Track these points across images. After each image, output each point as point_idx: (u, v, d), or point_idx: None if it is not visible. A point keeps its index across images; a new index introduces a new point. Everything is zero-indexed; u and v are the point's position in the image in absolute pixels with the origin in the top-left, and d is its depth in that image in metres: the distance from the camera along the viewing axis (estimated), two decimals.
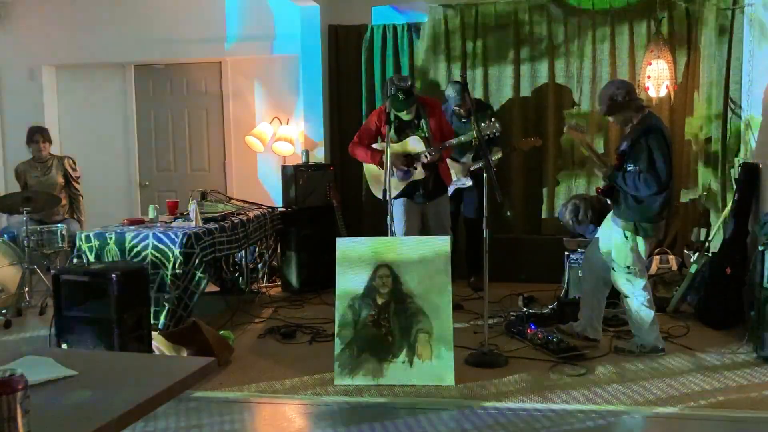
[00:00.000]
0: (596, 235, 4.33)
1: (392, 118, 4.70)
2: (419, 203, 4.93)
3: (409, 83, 4.69)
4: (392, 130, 4.73)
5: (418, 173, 4.80)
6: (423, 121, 4.83)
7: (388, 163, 4.39)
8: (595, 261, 4.27)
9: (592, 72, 6.14)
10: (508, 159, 5.97)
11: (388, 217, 4.45)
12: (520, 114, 6.29)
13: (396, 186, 4.83)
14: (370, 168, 5.02)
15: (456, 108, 5.66)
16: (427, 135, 4.81)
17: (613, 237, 4.10)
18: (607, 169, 4.08)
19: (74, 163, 6.24)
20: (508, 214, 6.14)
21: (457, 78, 6.03)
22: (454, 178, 5.57)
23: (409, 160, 4.80)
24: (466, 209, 5.91)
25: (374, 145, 4.92)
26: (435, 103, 5.07)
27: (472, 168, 5.59)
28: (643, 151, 3.90)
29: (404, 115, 4.77)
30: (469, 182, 5.68)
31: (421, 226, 4.95)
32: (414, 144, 4.80)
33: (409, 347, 3.70)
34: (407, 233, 4.85)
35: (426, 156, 4.73)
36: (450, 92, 5.68)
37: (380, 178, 4.85)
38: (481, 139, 4.28)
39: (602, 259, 4.20)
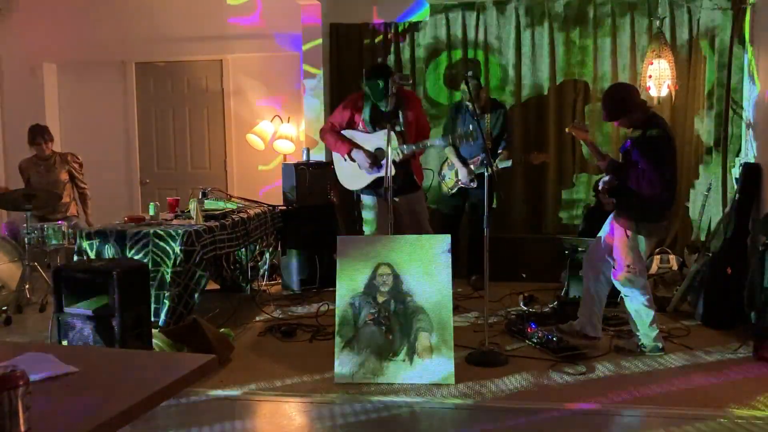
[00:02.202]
0: (599, 234, 4.33)
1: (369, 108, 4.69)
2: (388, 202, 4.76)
3: (410, 81, 4.67)
4: (369, 119, 4.71)
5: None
6: (400, 113, 4.70)
7: (389, 159, 4.33)
8: (596, 259, 4.27)
9: (593, 71, 6.14)
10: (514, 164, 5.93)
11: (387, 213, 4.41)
12: (520, 113, 6.30)
13: (363, 177, 4.79)
14: (338, 157, 4.93)
15: (468, 104, 5.64)
16: (402, 129, 4.70)
17: (615, 235, 4.10)
18: (606, 162, 4.07)
19: (78, 158, 6.23)
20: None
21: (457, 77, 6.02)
22: (461, 176, 5.57)
23: (379, 152, 4.69)
24: (471, 208, 5.90)
25: (346, 132, 4.83)
26: (413, 96, 5.01)
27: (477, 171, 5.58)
28: (648, 151, 3.90)
29: (382, 105, 4.69)
30: (474, 184, 5.65)
31: (393, 222, 4.63)
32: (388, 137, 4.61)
33: (409, 346, 3.71)
34: (378, 232, 4.83)
35: (398, 154, 4.61)
36: (465, 88, 5.69)
37: (349, 170, 4.85)
38: (485, 142, 4.28)
39: (604, 257, 4.20)
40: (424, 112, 5.02)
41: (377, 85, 4.61)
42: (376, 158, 4.74)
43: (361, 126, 4.82)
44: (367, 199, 4.97)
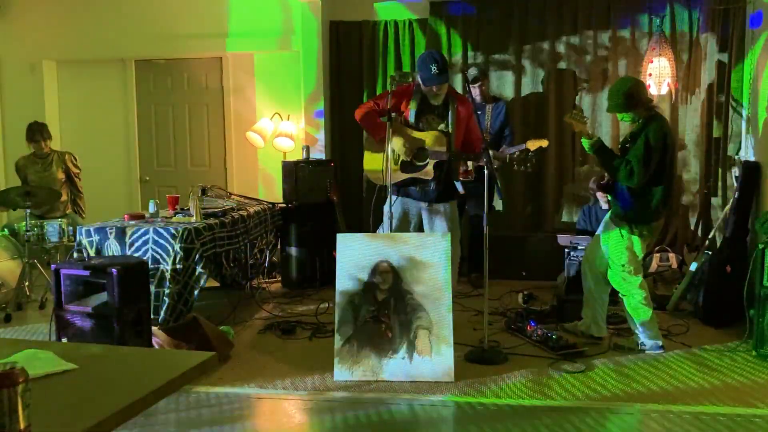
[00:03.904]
0: (596, 233, 4.34)
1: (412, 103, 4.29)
2: (416, 208, 4.45)
3: (411, 79, 4.57)
4: (416, 111, 4.31)
5: (426, 172, 4.36)
6: (450, 111, 4.31)
7: (388, 160, 4.23)
8: (595, 259, 4.28)
9: (594, 70, 6.14)
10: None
11: (386, 208, 4.30)
12: (520, 110, 6.30)
13: (396, 175, 4.35)
14: (370, 147, 4.50)
15: (475, 94, 5.64)
16: (451, 131, 4.31)
17: (610, 235, 4.11)
18: (595, 138, 4.06)
19: (75, 158, 6.23)
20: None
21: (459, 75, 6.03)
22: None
23: (419, 153, 4.30)
24: (471, 207, 5.90)
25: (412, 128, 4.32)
26: (467, 101, 4.52)
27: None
28: (642, 145, 3.92)
29: (432, 98, 4.31)
30: (471, 177, 5.63)
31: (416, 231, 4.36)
32: (434, 140, 4.30)
33: (408, 343, 3.71)
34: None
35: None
36: (472, 73, 5.71)
37: (380, 161, 4.36)
38: (485, 138, 4.26)
39: (602, 256, 4.21)
40: (475, 121, 4.44)
41: (429, 69, 4.19)
42: (416, 152, 4.28)
43: (403, 118, 4.41)
44: (394, 206, 4.44)
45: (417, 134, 4.35)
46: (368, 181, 4.89)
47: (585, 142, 4.07)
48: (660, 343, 4.12)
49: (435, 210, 4.46)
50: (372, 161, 4.50)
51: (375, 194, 4.51)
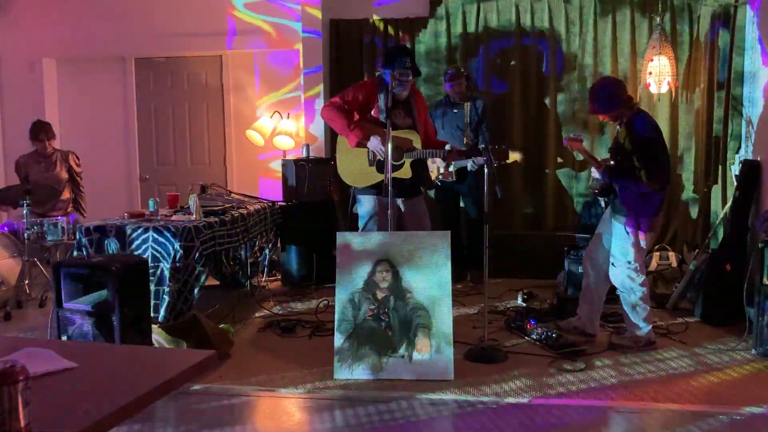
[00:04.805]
0: (597, 231, 4.34)
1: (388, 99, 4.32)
2: (393, 204, 4.39)
3: (410, 77, 4.53)
4: (384, 107, 4.34)
5: (404, 170, 4.43)
6: (413, 106, 4.50)
7: (389, 158, 4.23)
8: (596, 257, 4.28)
9: (593, 69, 6.13)
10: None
11: (389, 212, 4.29)
12: (520, 109, 6.29)
13: (371, 175, 4.48)
14: (344, 148, 4.54)
15: (451, 92, 5.64)
16: (417, 129, 4.49)
17: (614, 233, 4.11)
18: (602, 169, 4.07)
19: (78, 158, 6.22)
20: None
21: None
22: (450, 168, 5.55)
23: (396, 153, 4.36)
24: (468, 207, 5.89)
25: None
26: (422, 95, 4.86)
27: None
28: (640, 148, 3.91)
29: (401, 90, 4.42)
30: (452, 178, 5.66)
31: (396, 227, 4.37)
32: (408, 138, 4.44)
33: (408, 342, 3.71)
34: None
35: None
36: (449, 71, 5.72)
37: (355, 163, 4.50)
38: (485, 140, 4.26)
39: (604, 254, 4.21)
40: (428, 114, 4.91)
41: (403, 63, 4.31)
42: (395, 150, 4.33)
43: (373, 114, 4.51)
44: (365, 199, 4.63)
45: (392, 132, 4.36)
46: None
47: (593, 172, 4.13)
48: (653, 338, 4.15)
49: (411, 203, 4.66)
50: (345, 162, 4.59)
51: (351, 198, 4.62)
